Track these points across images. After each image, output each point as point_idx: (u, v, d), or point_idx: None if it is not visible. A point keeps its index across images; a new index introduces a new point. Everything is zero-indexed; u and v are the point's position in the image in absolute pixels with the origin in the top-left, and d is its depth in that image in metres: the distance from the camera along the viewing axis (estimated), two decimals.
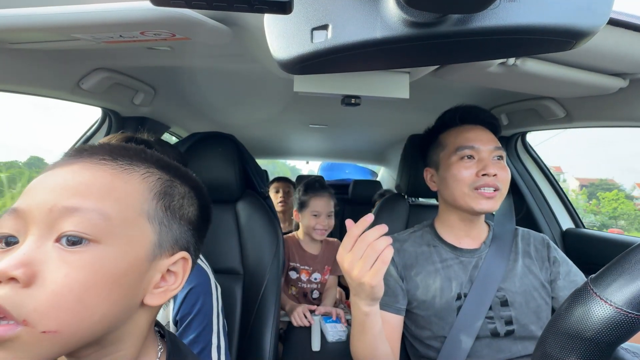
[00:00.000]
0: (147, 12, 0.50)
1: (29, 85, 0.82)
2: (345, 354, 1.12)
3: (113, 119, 1.19)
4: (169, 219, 0.38)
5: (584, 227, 1.36)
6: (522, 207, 1.39)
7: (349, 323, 1.34)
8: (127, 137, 0.74)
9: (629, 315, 0.29)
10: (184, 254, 0.39)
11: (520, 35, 0.25)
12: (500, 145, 0.80)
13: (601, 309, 0.30)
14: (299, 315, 1.28)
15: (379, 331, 0.68)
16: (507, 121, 1.24)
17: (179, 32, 0.57)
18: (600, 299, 0.31)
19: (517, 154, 1.41)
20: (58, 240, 0.31)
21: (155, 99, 1.18)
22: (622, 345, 0.31)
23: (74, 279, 0.30)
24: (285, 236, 1.58)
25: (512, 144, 1.39)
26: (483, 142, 0.78)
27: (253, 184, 1.11)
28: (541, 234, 0.88)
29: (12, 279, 0.29)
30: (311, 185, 1.57)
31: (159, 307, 0.40)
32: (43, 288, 0.29)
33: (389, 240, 0.58)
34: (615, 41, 0.61)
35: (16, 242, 0.32)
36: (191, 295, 0.71)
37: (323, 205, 1.51)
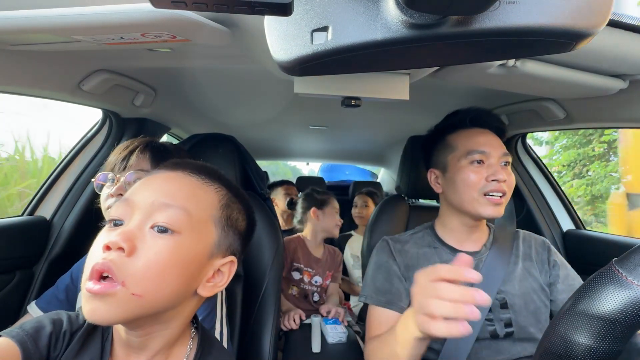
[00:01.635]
0: (147, 14, 0.50)
1: (30, 87, 0.82)
2: (345, 356, 1.13)
3: (114, 121, 1.19)
4: (228, 227, 0.47)
5: (585, 228, 1.36)
6: (523, 209, 1.39)
7: (349, 324, 1.34)
8: (148, 141, 0.77)
9: None
10: (233, 258, 0.48)
11: (520, 36, 0.25)
12: (507, 151, 0.80)
13: (627, 290, 0.30)
14: (289, 318, 1.29)
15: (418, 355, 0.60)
16: (507, 122, 1.24)
17: (180, 33, 0.57)
18: (627, 279, 0.31)
19: (518, 155, 1.41)
20: (153, 226, 0.41)
21: (155, 100, 1.18)
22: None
23: (160, 258, 0.39)
24: (291, 236, 1.62)
25: (512, 145, 1.39)
26: (494, 147, 0.78)
27: (253, 185, 1.11)
28: (542, 237, 0.88)
29: (120, 249, 0.38)
30: (319, 188, 1.70)
31: (204, 298, 0.47)
32: (138, 259, 0.38)
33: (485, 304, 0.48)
34: (615, 42, 0.61)
35: (121, 224, 0.42)
36: None
37: (337, 204, 1.65)
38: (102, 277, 0.38)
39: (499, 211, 0.75)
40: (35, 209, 1.11)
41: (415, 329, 0.54)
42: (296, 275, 1.52)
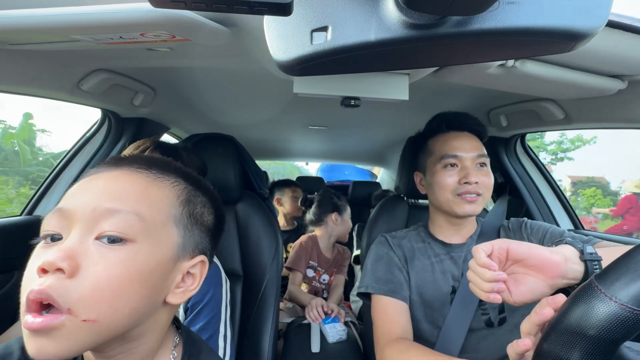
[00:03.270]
0: (147, 14, 0.50)
1: (29, 86, 0.82)
2: (345, 355, 1.13)
3: (113, 120, 1.19)
4: (192, 225, 0.42)
5: (584, 228, 1.36)
6: (522, 209, 1.39)
7: (347, 324, 1.34)
8: (157, 142, 0.77)
9: (635, 312, 0.29)
10: (203, 257, 0.42)
11: (519, 37, 0.25)
12: (484, 152, 0.82)
13: (606, 306, 0.30)
14: (312, 309, 1.28)
15: None
16: (506, 122, 1.24)
17: (179, 33, 0.57)
18: (605, 295, 0.31)
19: (516, 155, 1.41)
20: (98, 237, 0.35)
21: (155, 100, 1.18)
22: (625, 343, 0.31)
23: (112, 273, 0.34)
24: (306, 235, 1.65)
25: (511, 145, 1.39)
26: (466, 150, 0.81)
27: (253, 185, 1.11)
28: (520, 219, 0.89)
29: (58, 270, 0.32)
30: (331, 190, 1.73)
31: (178, 305, 0.43)
32: (85, 280, 0.33)
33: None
34: (613, 43, 0.61)
35: (59, 239, 0.35)
36: (203, 285, 0.75)
37: None
38: (43, 306, 0.31)
39: (474, 208, 0.79)
40: (34, 209, 1.11)
41: None
42: (310, 273, 1.57)
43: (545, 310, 0.38)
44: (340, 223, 1.62)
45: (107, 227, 0.35)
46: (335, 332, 1.18)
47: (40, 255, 0.34)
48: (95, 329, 0.33)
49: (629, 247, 0.35)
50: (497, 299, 0.50)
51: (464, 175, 0.79)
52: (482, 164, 0.81)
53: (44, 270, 0.32)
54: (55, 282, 0.32)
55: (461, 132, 0.85)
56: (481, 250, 0.51)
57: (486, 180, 0.80)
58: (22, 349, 0.39)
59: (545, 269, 0.49)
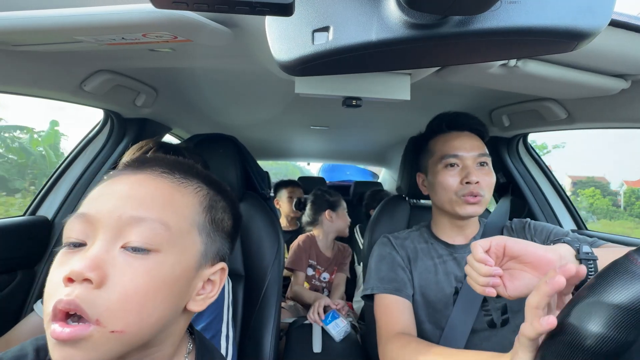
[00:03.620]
0: (148, 15, 0.50)
1: (32, 87, 0.83)
2: (346, 355, 1.12)
3: (115, 121, 1.20)
4: (214, 231, 0.41)
5: (587, 229, 1.36)
6: (524, 209, 1.38)
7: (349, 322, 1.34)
8: (160, 143, 0.77)
9: None
10: (223, 264, 0.42)
11: (521, 36, 0.25)
12: (486, 151, 0.82)
13: None
14: (314, 311, 1.26)
15: None
16: (508, 122, 1.23)
17: (181, 34, 0.57)
18: None
19: (519, 155, 1.40)
20: (125, 246, 0.34)
21: (157, 100, 1.19)
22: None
23: (139, 284, 0.33)
24: (304, 235, 1.65)
25: (513, 145, 1.39)
26: (467, 150, 0.80)
27: (254, 185, 1.11)
28: (523, 219, 0.89)
29: (86, 280, 0.31)
30: (326, 188, 1.73)
31: (196, 312, 0.41)
32: (113, 290, 0.32)
33: None
34: (616, 42, 0.61)
35: (82, 245, 0.34)
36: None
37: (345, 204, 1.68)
38: (69, 315, 0.31)
39: (475, 210, 0.78)
40: (37, 208, 1.11)
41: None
42: (309, 272, 1.57)
43: (558, 279, 0.36)
44: (335, 219, 1.61)
45: (134, 236, 0.34)
46: (339, 329, 1.17)
47: (65, 262, 0.33)
48: (123, 339, 0.32)
49: (630, 249, 0.35)
50: (492, 292, 0.51)
51: (465, 174, 0.78)
52: (483, 163, 0.81)
53: (70, 280, 0.31)
54: (83, 293, 0.31)
55: (462, 131, 0.84)
56: (479, 246, 0.52)
57: (487, 179, 0.80)
58: (37, 351, 0.38)
59: (540, 266, 0.50)
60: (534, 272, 0.51)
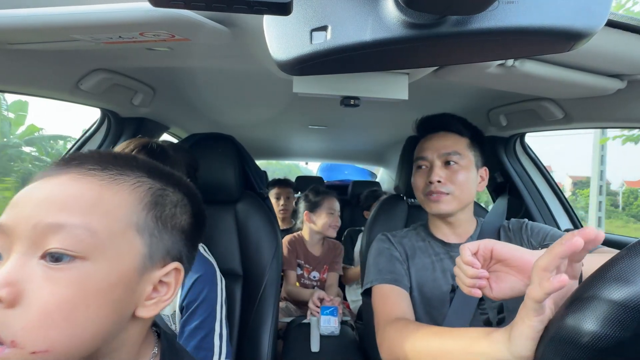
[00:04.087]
0: (146, 13, 0.50)
1: (28, 86, 0.82)
2: (344, 355, 1.13)
3: (112, 120, 1.19)
4: (160, 230, 0.37)
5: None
6: (521, 208, 1.39)
7: (345, 323, 1.34)
8: (144, 143, 0.76)
9: None
10: (177, 264, 0.38)
11: (518, 36, 0.25)
12: (454, 149, 0.83)
13: None
14: (311, 304, 1.28)
15: None
16: (505, 122, 1.24)
17: (179, 33, 0.57)
18: None
19: (516, 154, 1.41)
20: (43, 257, 0.30)
21: (154, 99, 1.18)
22: None
23: (61, 297, 0.30)
24: (291, 235, 1.65)
25: (510, 145, 1.40)
26: (432, 151, 0.84)
27: (252, 184, 1.11)
28: (521, 219, 0.90)
29: None
30: (319, 188, 1.70)
31: (153, 317, 0.38)
32: (29, 307, 0.29)
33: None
34: (613, 43, 0.61)
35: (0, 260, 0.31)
36: (197, 284, 0.75)
37: (336, 204, 1.65)
38: None
39: (441, 207, 0.81)
40: None
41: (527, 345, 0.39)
42: (298, 271, 1.58)
43: (576, 240, 0.33)
44: (314, 219, 1.60)
45: (54, 245, 0.30)
46: (328, 325, 1.18)
47: None
48: (51, 357, 0.29)
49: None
50: (477, 293, 0.52)
51: (428, 174, 0.83)
52: (450, 162, 0.83)
53: None
54: None
55: (436, 133, 0.87)
56: (467, 249, 0.53)
57: (453, 177, 0.81)
58: None
59: (525, 270, 0.51)
60: (519, 275, 0.51)
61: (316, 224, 1.60)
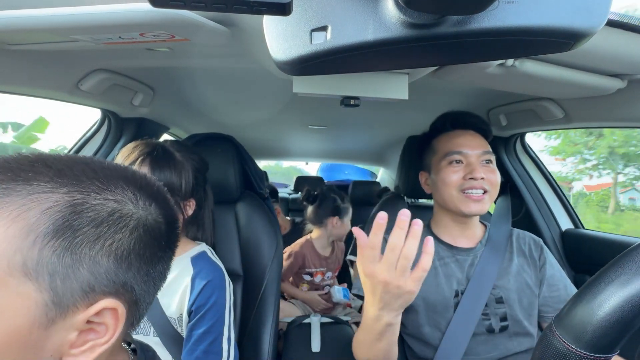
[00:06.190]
0: (146, 14, 0.50)
1: (28, 86, 0.82)
2: (344, 355, 1.13)
3: (112, 120, 1.19)
4: (73, 263, 0.28)
5: (583, 227, 1.37)
6: (521, 208, 1.39)
7: (346, 324, 1.34)
8: (148, 150, 0.74)
9: (589, 357, 0.30)
10: (109, 302, 0.29)
11: (518, 36, 0.25)
12: (490, 149, 0.82)
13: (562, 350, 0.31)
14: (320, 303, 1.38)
15: (395, 337, 0.63)
16: (505, 122, 1.24)
17: (178, 33, 0.57)
18: (561, 339, 0.32)
19: (516, 154, 1.41)
20: None
21: (154, 100, 1.18)
22: None
23: None
24: (299, 243, 1.65)
25: (510, 145, 1.39)
26: (471, 147, 0.81)
27: (252, 184, 1.11)
28: (536, 237, 0.89)
29: None
30: (342, 194, 1.71)
31: (109, 349, 0.31)
32: None
33: (417, 239, 0.51)
34: (613, 42, 0.61)
35: None
36: (207, 289, 0.75)
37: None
38: None
39: (481, 207, 0.78)
40: None
41: (388, 315, 0.56)
42: (306, 277, 1.60)
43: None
44: (339, 227, 1.63)
45: None
46: (341, 296, 1.30)
47: None
48: None
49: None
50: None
51: (469, 171, 0.78)
52: (488, 161, 0.81)
53: None
54: None
55: (466, 130, 0.85)
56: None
57: (492, 177, 0.80)
58: None
59: None
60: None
61: (339, 231, 1.63)
